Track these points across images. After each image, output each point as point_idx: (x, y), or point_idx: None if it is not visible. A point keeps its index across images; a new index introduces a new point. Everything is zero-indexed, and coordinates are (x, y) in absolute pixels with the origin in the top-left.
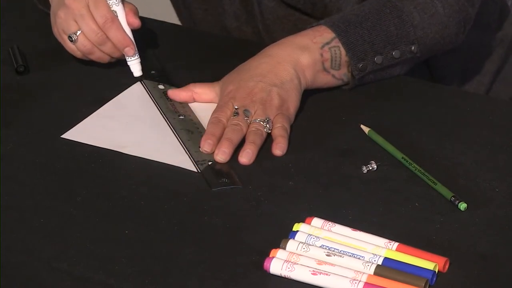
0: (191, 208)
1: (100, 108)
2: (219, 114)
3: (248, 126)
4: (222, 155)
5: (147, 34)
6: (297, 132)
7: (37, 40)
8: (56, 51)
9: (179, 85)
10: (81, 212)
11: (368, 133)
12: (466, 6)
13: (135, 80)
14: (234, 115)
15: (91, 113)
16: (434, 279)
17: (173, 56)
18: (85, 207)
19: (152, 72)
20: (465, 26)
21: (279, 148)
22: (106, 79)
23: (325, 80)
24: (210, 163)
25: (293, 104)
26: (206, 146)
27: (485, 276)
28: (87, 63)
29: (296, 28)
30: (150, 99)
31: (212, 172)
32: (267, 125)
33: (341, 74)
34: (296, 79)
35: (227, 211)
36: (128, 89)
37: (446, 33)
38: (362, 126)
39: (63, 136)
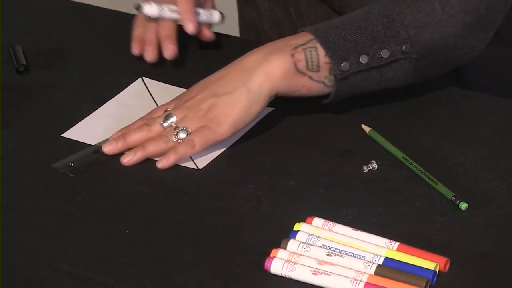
0: (191, 208)
1: (101, 107)
2: (148, 115)
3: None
4: (108, 146)
5: None
6: (297, 131)
7: (37, 40)
8: (56, 51)
9: (181, 83)
10: (81, 212)
11: (369, 132)
12: (478, 8)
13: (135, 78)
14: (158, 117)
15: (92, 113)
16: (435, 279)
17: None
18: (85, 207)
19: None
20: (475, 31)
21: (160, 161)
22: (106, 79)
23: (301, 82)
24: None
25: (230, 118)
26: (112, 136)
27: (485, 276)
28: (87, 63)
29: (328, 16)
30: (151, 97)
31: (80, 156)
32: (179, 134)
33: (321, 77)
34: (244, 90)
35: (227, 211)
36: (128, 87)
37: (446, 34)
38: (363, 126)
39: (64, 134)
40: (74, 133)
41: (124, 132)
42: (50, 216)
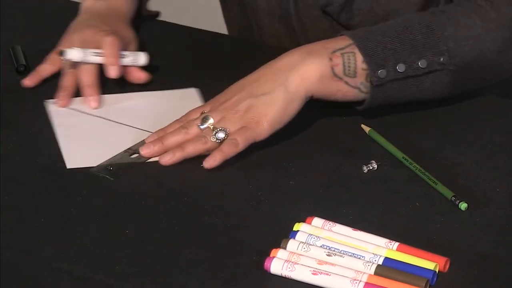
0: (191, 208)
1: (58, 134)
2: (184, 117)
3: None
4: (146, 149)
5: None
6: (297, 131)
7: (37, 40)
8: None
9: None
10: (81, 212)
11: (368, 132)
12: None
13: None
14: (195, 119)
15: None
16: (435, 279)
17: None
18: (85, 207)
19: None
20: None
21: (206, 161)
22: (106, 79)
23: (337, 86)
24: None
25: (269, 117)
26: (148, 139)
27: (485, 276)
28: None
29: (333, 30)
30: (78, 111)
31: (118, 160)
32: (218, 134)
33: (357, 83)
34: (281, 91)
35: (227, 211)
36: (52, 112)
37: (485, 49)
38: (363, 126)
39: (69, 166)
40: (75, 162)
41: (160, 134)
42: (50, 216)
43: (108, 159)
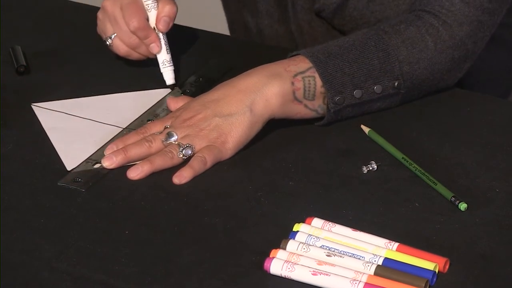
0: (191, 208)
1: (51, 139)
2: (144, 130)
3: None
4: (108, 161)
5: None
6: (297, 132)
7: (37, 40)
8: (56, 51)
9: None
10: (81, 212)
11: (368, 133)
12: (466, 43)
13: (134, 77)
14: (157, 133)
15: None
16: (434, 279)
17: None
18: (85, 207)
19: None
20: (461, 63)
21: (177, 176)
22: (106, 79)
23: (297, 109)
24: (97, 164)
25: (234, 138)
26: (107, 150)
27: (485, 276)
28: (87, 63)
29: (329, 34)
30: (66, 114)
31: (83, 171)
32: (184, 151)
33: (316, 106)
34: (248, 113)
35: (227, 211)
36: (40, 116)
37: (436, 70)
38: (362, 126)
39: (69, 168)
40: (74, 163)
41: (119, 145)
42: (50, 216)
43: (72, 172)
